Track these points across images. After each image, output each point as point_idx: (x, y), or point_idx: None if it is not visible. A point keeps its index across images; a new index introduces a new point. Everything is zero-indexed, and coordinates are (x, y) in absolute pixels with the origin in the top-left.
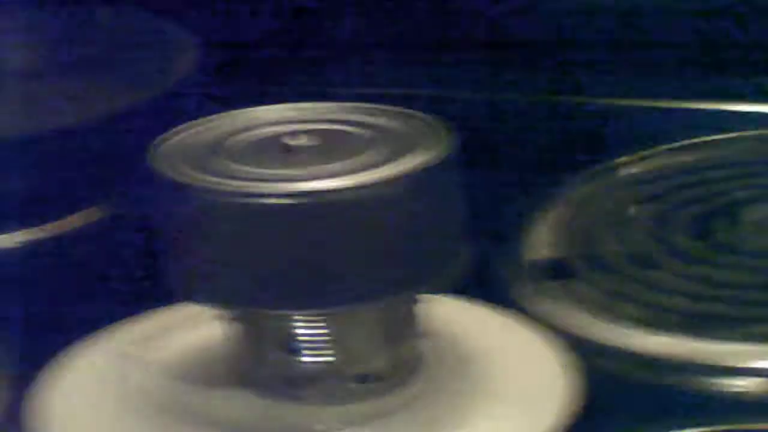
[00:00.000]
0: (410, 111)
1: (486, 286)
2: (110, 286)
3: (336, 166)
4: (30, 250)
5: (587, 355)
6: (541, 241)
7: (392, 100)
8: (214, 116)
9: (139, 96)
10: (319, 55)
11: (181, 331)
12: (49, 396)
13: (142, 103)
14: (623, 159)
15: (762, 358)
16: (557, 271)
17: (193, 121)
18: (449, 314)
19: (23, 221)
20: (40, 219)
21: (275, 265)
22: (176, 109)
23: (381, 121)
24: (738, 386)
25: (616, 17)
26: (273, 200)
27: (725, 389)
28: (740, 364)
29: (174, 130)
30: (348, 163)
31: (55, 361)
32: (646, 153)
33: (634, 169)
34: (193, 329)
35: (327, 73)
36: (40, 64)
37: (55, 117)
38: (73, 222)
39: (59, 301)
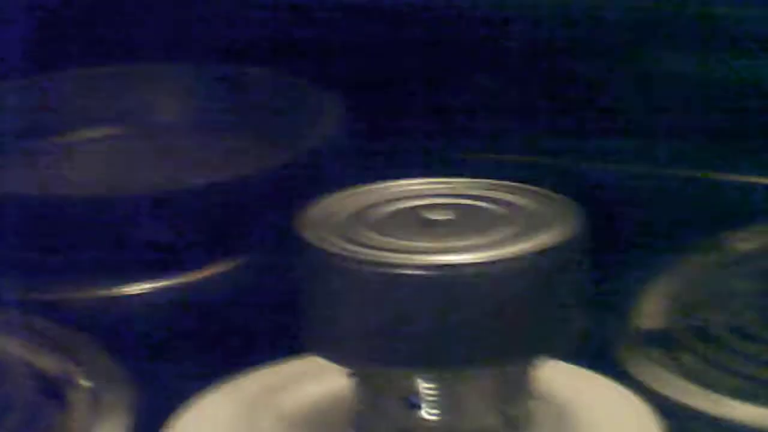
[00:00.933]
0: (543, 190)
1: (594, 353)
2: (240, 335)
3: (469, 240)
4: (166, 298)
5: (683, 421)
6: (650, 311)
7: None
8: (356, 188)
9: (284, 156)
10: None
11: (306, 382)
12: None
13: (286, 163)
14: (734, 233)
15: None
16: (664, 340)
17: (338, 192)
18: (560, 379)
19: (162, 270)
20: (179, 269)
21: (407, 328)
22: (317, 169)
23: (514, 198)
24: None
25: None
26: (409, 271)
27: None
28: None
29: (319, 199)
30: (481, 239)
31: (185, 408)
32: (757, 228)
33: (744, 245)
34: (318, 382)
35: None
36: (189, 121)
37: (203, 172)
38: (208, 273)
39: (191, 348)
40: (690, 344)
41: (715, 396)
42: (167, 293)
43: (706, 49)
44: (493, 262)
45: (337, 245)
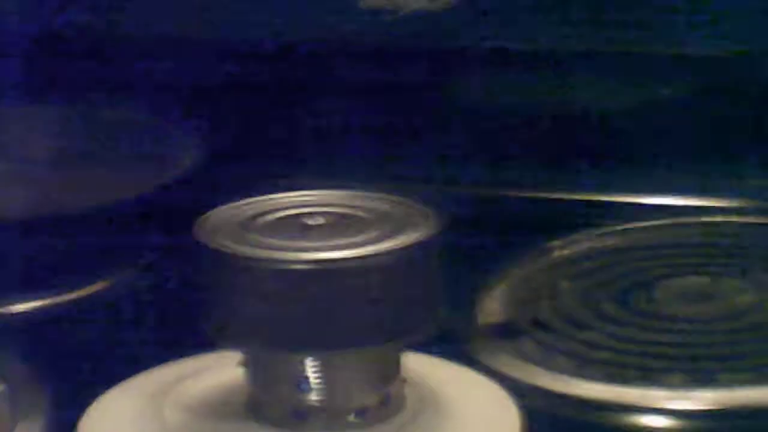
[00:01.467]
0: (405, 198)
1: (448, 344)
2: (141, 338)
3: (344, 240)
4: (58, 312)
5: (530, 399)
6: (492, 308)
7: None
8: (246, 200)
9: (141, 187)
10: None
11: (204, 376)
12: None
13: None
14: (557, 242)
15: (668, 401)
16: (505, 331)
17: (230, 204)
18: (422, 366)
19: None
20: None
21: (293, 317)
22: (178, 197)
23: (381, 205)
24: (649, 424)
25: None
26: (294, 266)
27: (639, 426)
28: (651, 405)
29: (213, 210)
30: (354, 239)
31: (96, 403)
32: (574, 237)
33: (566, 251)
34: (215, 375)
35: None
36: (47, 154)
37: (64, 202)
38: (92, 290)
39: (96, 353)
40: (529, 333)
41: (554, 375)
42: (50, 310)
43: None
44: (363, 257)
45: (231, 247)
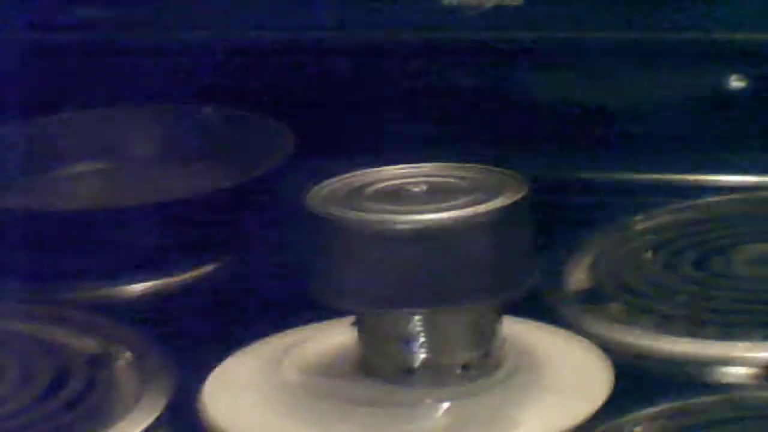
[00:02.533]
0: (494, 167)
1: (541, 310)
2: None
3: (443, 205)
4: (172, 291)
5: (619, 356)
6: (581, 276)
7: None
8: (350, 173)
9: (243, 176)
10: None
11: (317, 340)
12: (215, 391)
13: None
14: (636, 217)
15: (748, 352)
16: (593, 296)
17: (339, 176)
18: (520, 328)
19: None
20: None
21: (399, 277)
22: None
23: (473, 174)
24: (731, 374)
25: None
26: (399, 227)
27: (721, 377)
28: (733, 358)
29: (324, 182)
30: (452, 203)
31: (218, 368)
32: (652, 212)
33: (645, 224)
34: (327, 338)
35: None
36: (160, 153)
37: (171, 192)
38: (201, 271)
39: (221, 322)
40: (615, 297)
41: (640, 333)
42: (165, 289)
43: None
44: (461, 219)
45: (341, 214)
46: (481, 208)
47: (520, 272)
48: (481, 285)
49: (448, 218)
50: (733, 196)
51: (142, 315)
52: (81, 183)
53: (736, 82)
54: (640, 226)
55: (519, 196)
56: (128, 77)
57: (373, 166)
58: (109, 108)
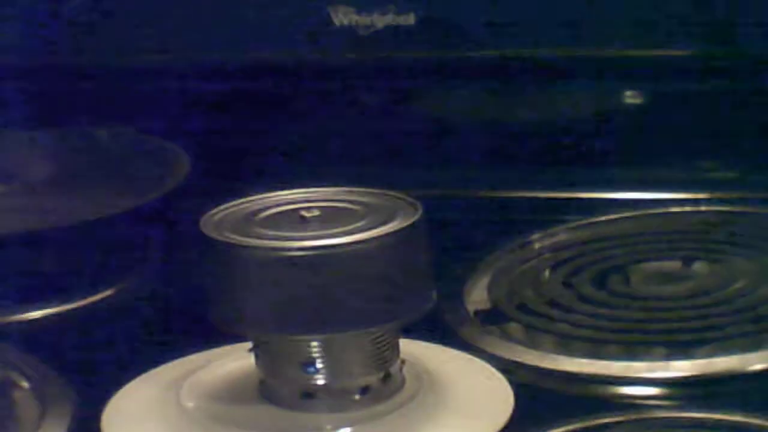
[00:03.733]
0: (389, 191)
1: (440, 331)
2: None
3: (339, 229)
4: (71, 317)
5: (518, 376)
6: (479, 296)
7: None
8: (246, 198)
9: (140, 200)
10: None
11: (217, 365)
12: (116, 417)
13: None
14: (535, 236)
15: (648, 372)
16: (492, 317)
17: (231, 202)
18: (419, 350)
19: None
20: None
21: (295, 302)
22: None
23: (369, 198)
24: (631, 393)
25: None
26: (294, 253)
27: (622, 396)
28: (632, 376)
29: (217, 208)
30: (347, 228)
31: (117, 395)
32: (550, 231)
33: (543, 243)
34: (228, 363)
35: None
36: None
37: (68, 216)
38: (101, 296)
39: (120, 349)
40: (514, 317)
41: (540, 353)
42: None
43: None
44: (355, 243)
45: (236, 239)
46: (374, 233)
47: (417, 295)
48: (378, 308)
49: (341, 243)
50: (630, 213)
51: (40, 342)
52: None
53: (631, 99)
54: (537, 245)
55: (412, 220)
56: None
57: (269, 190)
58: (1, 131)
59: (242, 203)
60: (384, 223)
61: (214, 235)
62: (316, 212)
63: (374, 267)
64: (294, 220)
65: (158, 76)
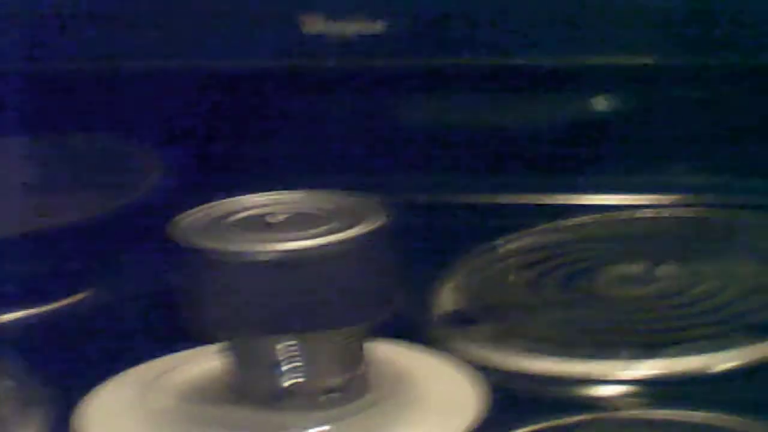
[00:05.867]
0: (356, 194)
1: (408, 333)
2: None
3: (304, 233)
4: (47, 319)
5: (486, 376)
6: (447, 299)
7: None
8: (215, 202)
9: (114, 204)
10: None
11: (189, 366)
12: (89, 418)
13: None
14: (501, 239)
15: (616, 371)
16: (460, 319)
17: (200, 206)
18: (387, 351)
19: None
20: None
21: (262, 304)
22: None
23: (334, 202)
24: (599, 394)
25: None
26: (260, 257)
27: (590, 396)
28: (600, 377)
29: (184, 213)
30: (312, 232)
31: (89, 396)
32: (516, 234)
33: (510, 246)
34: (199, 365)
35: None
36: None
37: (44, 220)
38: (75, 299)
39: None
40: (481, 319)
41: (507, 354)
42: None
43: None
44: (322, 246)
45: (202, 244)
46: (341, 236)
47: (385, 297)
48: (346, 310)
49: (308, 246)
50: (596, 216)
51: (14, 344)
52: None
53: (599, 104)
54: (505, 248)
55: (379, 223)
56: None
57: (238, 193)
58: None
59: (209, 208)
60: (350, 226)
61: (181, 240)
62: (281, 217)
63: (340, 270)
64: (261, 224)
65: (142, 82)
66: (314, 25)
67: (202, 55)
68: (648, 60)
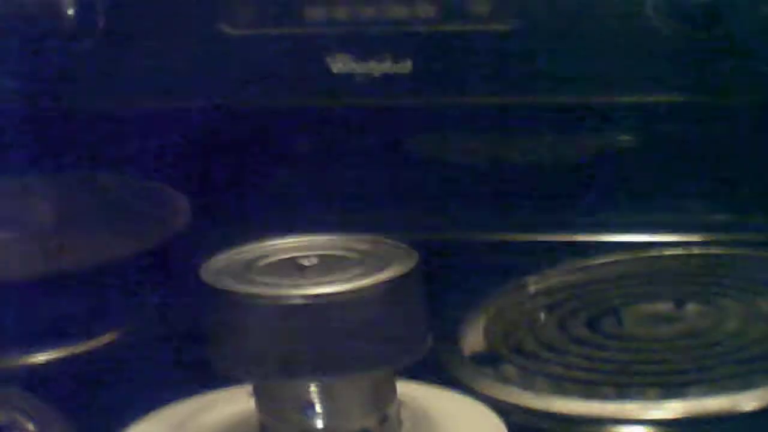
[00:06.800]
0: (385, 238)
1: (437, 373)
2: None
3: (336, 277)
4: (74, 361)
5: (513, 417)
6: (475, 339)
7: None
8: (245, 245)
9: (141, 244)
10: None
11: (219, 407)
12: None
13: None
14: (530, 278)
15: (642, 412)
16: (488, 359)
17: (233, 248)
18: (416, 392)
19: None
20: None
21: (294, 347)
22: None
23: (364, 246)
24: None
25: None
26: (293, 301)
27: None
28: (626, 417)
29: (217, 255)
30: (343, 276)
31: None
32: (545, 273)
33: (538, 285)
34: (229, 405)
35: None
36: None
37: (70, 261)
38: (103, 341)
39: (122, 392)
40: (510, 359)
41: (534, 394)
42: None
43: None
44: (352, 291)
45: (235, 287)
46: (371, 280)
47: (413, 339)
48: (374, 353)
49: (339, 291)
50: (621, 255)
51: (44, 385)
52: None
53: (622, 142)
54: (533, 288)
55: (408, 267)
56: None
57: (267, 236)
58: (2, 177)
59: (241, 251)
60: (380, 270)
61: (215, 283)
62: (314, 260)
63: (369, 314)
64: (292, 267)
65: (151, 121)
66: (343, 64)
67: (224, 94)
68: (670, 97)
